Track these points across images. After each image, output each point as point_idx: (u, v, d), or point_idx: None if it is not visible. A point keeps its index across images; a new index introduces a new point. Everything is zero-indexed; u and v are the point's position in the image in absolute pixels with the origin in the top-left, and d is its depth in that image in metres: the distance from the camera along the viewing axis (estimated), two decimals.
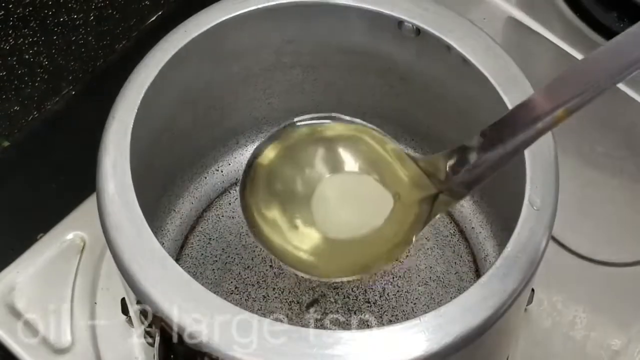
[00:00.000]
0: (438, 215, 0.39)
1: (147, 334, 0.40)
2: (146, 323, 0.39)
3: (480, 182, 0.37)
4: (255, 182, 0.40)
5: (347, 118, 0.41)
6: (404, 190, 0.39)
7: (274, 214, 0.40)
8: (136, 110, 0.41)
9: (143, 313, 0.38)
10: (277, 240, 0.40)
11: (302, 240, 0.40)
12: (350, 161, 0.41)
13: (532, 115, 0.34)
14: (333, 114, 0.41)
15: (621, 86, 0.60)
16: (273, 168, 0.40)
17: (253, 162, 0.40)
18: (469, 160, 0.37)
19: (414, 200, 0.39)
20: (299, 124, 0.40)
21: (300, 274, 0.40)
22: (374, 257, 0.40)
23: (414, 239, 0.39)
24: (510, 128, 0.35)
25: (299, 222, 0.40)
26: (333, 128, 0.41)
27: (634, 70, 0.32)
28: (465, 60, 0.44)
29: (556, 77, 0.34)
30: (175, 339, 0.37)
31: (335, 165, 0.41)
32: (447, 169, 0.38)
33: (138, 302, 0.38)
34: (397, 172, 0.40)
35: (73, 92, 0.60)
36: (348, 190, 0.40)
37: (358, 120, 0.41)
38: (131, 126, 0.41)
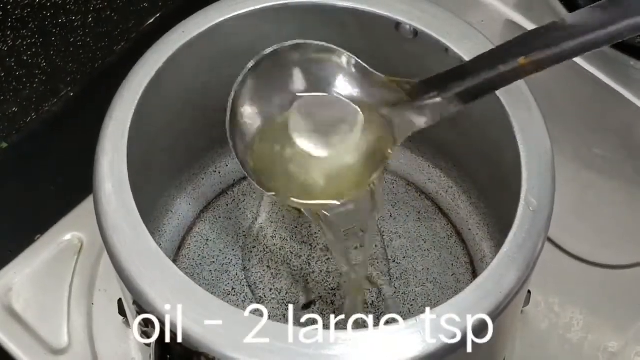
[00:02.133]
0: (410, 134, 0.41)
1: (144, 334, 0.40)
2: (143, 324, 0.39)
3: (446, 110, 0.40)
4: (238, 122, 0.42)
5: (311, 42, 0.42)
6: (373, 102, 0.42)
7: (260, 146, 0.42)
8: (133, 111, 0.41)
9: (140, 314, 0.39)
10: (270, 174, 0.42)
11: (288, 164, 0.42)
12: (318, 82, 0.43)
13: (495, 59, 0.37)
14: (296, 41, 0.42)
15: (619, 88, 0.60)
16: (248, 105, 0.42)
17: (231, 105, 0.42)
18: (435, 87, 0.40)
19: (384, 113, 0.42)
20: (265, 53, 0.42)
21: (295, 202, 0.42)
22: (357, 174, 0.42)
23: (390, 152, 0.41)
24: (474, 69, 0.39)
25: (279, 147, 0.42)
26: (299, 53, 0.42)
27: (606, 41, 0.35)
28: (462, 62, 0.44)
29: (525, 32, 0.37)
30: (171, 340, 0.37)
31: (305, 88, 0.43)
32: (412, 90, 0.41)
33: (135, 303, 0.38)
34: (363, 84, 0.42)
35: (71, 94, 0.60)
36: (320, 110, 0.42)
37: (322, 43, 0.42)
38: (128, 127, 0.41)
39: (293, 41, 0.42)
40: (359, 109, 0.42)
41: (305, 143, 0.42)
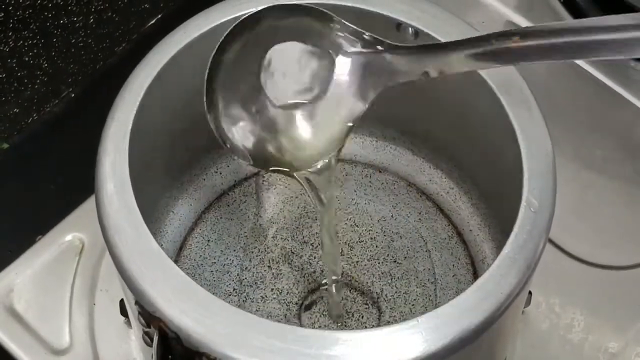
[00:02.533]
0: (386, 86, 0.43)
1: (146, 334, 0.40)
2: (144, 324, 0.39)
3: (422, 64, 0.41)
4: (215, 82, 0.42)
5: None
6: (346, 48, 0.43)
7: (235, 108, 0.43)
8: (135, 112, 0.42)
9: (142, 314, 0.39)
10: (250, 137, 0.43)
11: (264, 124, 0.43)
12: (291, 35, 0.43)
13: (494, 34, 0.39)
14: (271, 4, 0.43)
15: (618, 89, 0.60)
16: (223, 66, 0.42)
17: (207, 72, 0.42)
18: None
19: (358, 60, 0.43)
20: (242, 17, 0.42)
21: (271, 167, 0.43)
22: (335, 125, 0.43)
23: (367, 103, 0.43)
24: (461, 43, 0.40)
25: (253, 104, 0.43)
26: (273, 14, 0.43)
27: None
28: None
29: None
30: (173, 340, 0.37)
31: (276, 40, 0.43)
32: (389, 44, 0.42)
33: (136, 303, 0.38)
34: (337, 34, 0.43)
35: (73, 95, 0.61)
36: (290, 60, 0.43)
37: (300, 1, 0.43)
38: (130, 127, 0.41)
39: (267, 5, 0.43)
40: (333, 56, 0.43)
41: (274, 95, 0.43)
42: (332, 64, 0.43)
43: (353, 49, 0.43)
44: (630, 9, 0.61)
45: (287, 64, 0.43)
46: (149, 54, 0.43)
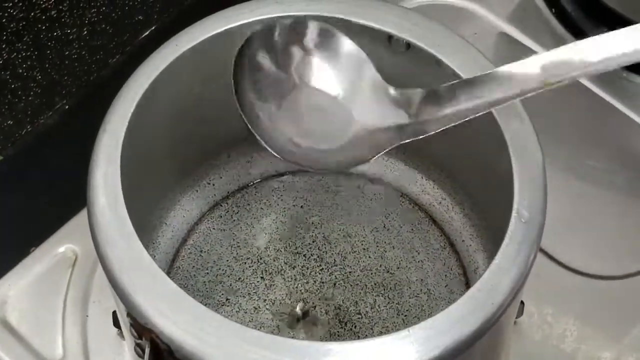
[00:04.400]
0: (396, 144, 0.41)
1: (138, 346, 0.40)
2: (136, 335, 0.39)
3: (444, 126, 0.40)
4: (246, 73, 0.42)
5: (340, 34, 0.43)
6: (371, 115, 0.42)
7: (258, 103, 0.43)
8: (127, 123, 0.42)
9: (134, 326, 0.39)
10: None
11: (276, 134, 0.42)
12: (326, 77, 0.43)
13: (506, 79, 0.38)
14: (328, 25, 0.43)
15: (611, 100, 0.60)
16: (258, 64, 0.43)
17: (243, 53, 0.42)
18: (438, 102, 0.40)
19: (379, 126, 0.42)
20: (291, 23, 0.43)
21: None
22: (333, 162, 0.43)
23: (371, 160, 0.42)
24: (481, 85, 0.38)
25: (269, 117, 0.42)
26: (330, 41, 0.43)
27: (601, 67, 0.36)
28: (455, 75, 0.44)
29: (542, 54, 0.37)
30: (165, 352, 0.37)
31: (312, 77, 0.43)
32: (418, 106, 0.40)
33: (128, 315, 0.39)
34: (369, 96, 0.42)
35: (67, 107, 0.61)
36: (316, 105, 0.43)
37: (349, 41, 0.43)
38: (122, 139, 0.41)
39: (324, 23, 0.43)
40: (354, 117, 0.42)
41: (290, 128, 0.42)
42: (354, 121, 0.43)
43: (379, 118, 0.42)
44: (621, 19, 0.61)
45: (309, 104, 0.43)
46: (141, 66, 0.44)
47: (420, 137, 0.41)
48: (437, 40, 0.45)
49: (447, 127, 0.40)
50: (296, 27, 0.43)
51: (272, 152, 0.42)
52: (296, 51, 0.43)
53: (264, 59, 0.43)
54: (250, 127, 0.42)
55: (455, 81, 0.40)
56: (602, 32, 0.61)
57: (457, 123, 0.40)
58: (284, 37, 0.43)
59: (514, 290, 0.39)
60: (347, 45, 0.43)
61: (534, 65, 0.37)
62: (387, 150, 0.41)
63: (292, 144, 0.42)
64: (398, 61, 0.46)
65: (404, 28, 0.45)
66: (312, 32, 0.43)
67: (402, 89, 0.42)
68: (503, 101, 0.38)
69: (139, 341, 0.39)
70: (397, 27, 0.45)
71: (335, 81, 0.43)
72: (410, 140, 0.41)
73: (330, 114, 0.43)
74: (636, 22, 0.60)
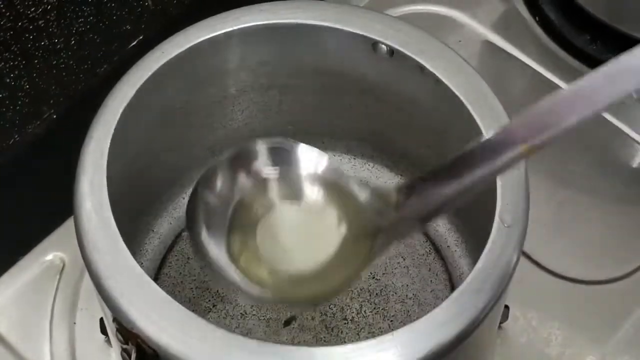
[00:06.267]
0: (386, 248, 0.37)
1: (124, 351, 0.40)
2: (122, 340, 0.39)
3: (434, 216, 0.35)
4: (205, 210, 0.38)
5: (301, 145, 0.38)
6: (356, 222, 0.38)
7: (230, 243, 0.38)
8: (113, 130, 0.42)
9: (120, 331, 0.39)
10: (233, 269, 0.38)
11: (254, 270, 0.38)
12: (300, 191, 0.38)
13: (492, 154, 0.33)
14: (284, 140, 0.38)
15: None
16: (222, 195, 0.38)
17: (198, 189, 0.38)
18: (422, 194, 0.35)
19: (366, 232, 0.37)
20: (248, 148, 0.38)
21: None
22: (321, 291, 0.38)
23: (362, 274, 0.39)
24: (468, 164, 0.34)
25: (248, 253, 0.38)
26: (285, 156, 0.38)
27: (600, 112, 0.31)
28: (438, 81, 0.44)
29: (518, 116, 0.32)
30: (151, 356, 0.38)
31: (284, 195, 0.38)
32: (399, 200, 0.36)
33: (114, 320, 0.39)
34: (349, 203, 0.38)
35: (54, 116, 0.61)
36: (295, 223, 0.38)
37: (313, 149, 0.38)
38: (108, 146, 0.41)
39: (280, 139, 0.38)
40: (338, 231, 0.37)
41: (269, 254, 0.37)
42: (337, 235, 0.37)
43: (361, 227, 0.37)
44: (604, 27, 0.62)
45: (287, 225, 0.38)
46: (126, 73, 0.44)
47: (415, 232, 0.38)
48: (420, 47, 0.45)
49: (436, 217, 0.36)
50: (248, 150, 0.38)
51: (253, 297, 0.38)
52: (255, 174, 0.38)
53: (221, 198, 0.38)
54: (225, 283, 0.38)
55: (427, 172, 0.35)
56: (585, 39, 0.63)
57: (447, 211, 0.36)
58: (237, 167, 0.38)
59: (496, 294, 0.39)
60: (312, 152, 0.38)
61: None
62: (376, 259, 0.37)
63: (275, 277, 0.37)
64: (382, 68, 0.46)
65: (388, 35, 0.46)
66: (269, 150, 0.38)
67: (375, 187, 0.37)
68: (486, 179, 0.33)
69: (125, 346, 0.39)
70: (381, 33, 0.46)
71: (312, 193, 0.38)
72: (404, 238, 0.38)
73: (311, 230, 0.38)
74: (619, 30, 0.61)
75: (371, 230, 0.37)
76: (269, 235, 0.38)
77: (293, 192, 0.38)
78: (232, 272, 0.37)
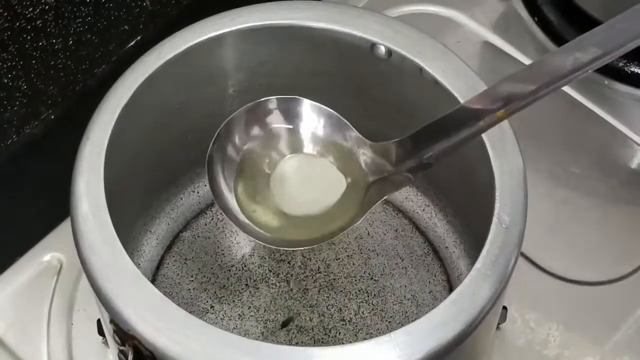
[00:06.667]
0: (386, 197, 0.43)
1: (121, 352, 0.40)
2: (119, 342, 0.39)
3: (424, 170, 0.41)
4: (223, 157, 0.43)
5: (310, 102, 0.43)
6: (357, 173, 0.43)
7: (239, 187, 0.43)
8: (110, 132, 0.42)
9: (117, 332, 0.39)
10: (241, 211, 0.43)
11: (262, 214, 0.43)
12: (309, 143, 0.44)
13: (474, 116, 0.38)
14: (296, 97, 0.43)
15: (593, 107, 0.61)
16: (238, 145, 0.43)
17: (220, 136, 0.42)
18: (415, 150, 0.40)
19: (366, 182, 0.42)
20: (263, 104, 0.43)
21: (263, 244, 0.43)
22: (328, 230, 0.42)
23: (364, 216, 0.42)
24: (454, 125, 0.39)
25: (259, 198, 0.43)
26: (295, 112, 0.43)
27: (571, 79, 0.36)
28: (436, 82, 0.44)
29: (495, 83, 0.38)
30: (148, 358, 0.37)
31: (295, 147, 0.44)
32: (396, 155, 0.41)
33: (111, 322, 0.39)
34: (352, 156, 0.43)
35: (52, 116, 0.61)
36: (305, 171, 0.43)
37: (321, 106, 0.43)
38: (105, 147, 0.41)
39: (292, 96, 0.43)
40: (344, 177, 0.43)
41: (281, 200, 0.43)
42: (343, 181, 0.43)
43: (365, 174, 0.43)
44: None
45: (297, 173, 0.44)
46: (123, 74, 0.44)
47: (406, 185, 0.41)
48: (419, 47, 0.45)
49: (428, 170, 0.41)
50: (262, 106, 0.43)
51: (265, 242, 0.42)
52: (269, 127, 0.44)
53: (236, 147, 0.43)
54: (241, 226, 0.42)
55: (422, 127, 0.40)
56: None
57: (436, 163, 0.40)
58: (252, 120, 0.43)
59: (494, 294, 0.39)
60: (320, 109, 0.44)
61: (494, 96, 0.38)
62: (375, 206, 0.42)
63: (281, 220, 0.43)
64: (381, 69, 0.46)
65: (386, 36, 0.46)
66: (281, 106, 0.43)
67: (377, 142, 0.43)
68: (471, 138, 0.39)
69: (122, 348, 0.39)
70: (379, 34, 0.46)
71: (320, 145, 0.44)
72: (397, 190, 0.42)
73: (319, 178, 0.43)
74: None
75: (368, 181, 0.42)
76: (279, 182, 0.43)
77: (301, 144, 0.43)
78: (242, 216, 0.42)
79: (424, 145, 0.40)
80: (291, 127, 0.44)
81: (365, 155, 0.43)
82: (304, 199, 0.43)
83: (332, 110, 0.43)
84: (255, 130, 0.43)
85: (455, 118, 0.39)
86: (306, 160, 0.44)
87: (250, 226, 0.42)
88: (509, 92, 0.37)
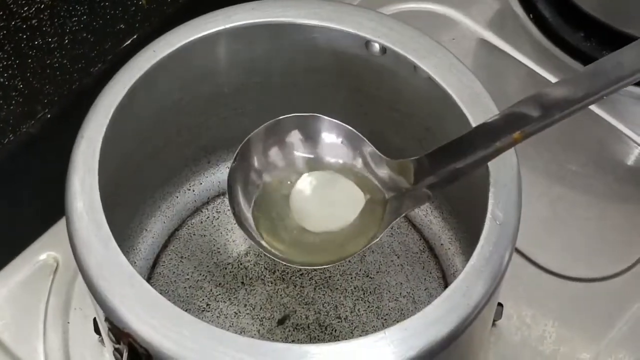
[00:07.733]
0: (403, 214, 0.43)
1: (116, 350, 0.40)
2: (114, 340, 0.39)
3: (442, 188, 0.41)
4: (243, 177, 0.43)
5: (328, 119, 0.44)
6: (375, 189, 0.43)
7: (259, 207, 0.43)
8: (105, 130, 0.42)
9: (112, 330, 0.39)
10: (259, 229, 0.43)
11: (280, 231, 0.43)
12: (327, 160, 0.44)
13: (491, 135, 0.38)
14: (315, 114, 0.43)
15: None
16: (257, 165, 0.43)
17: (239, 156, 0.43)
18: (433, 169, 0.40)
19: (384, 198, 0.43)
20: (282, 122, 0.43)
21: (280, 261, 0.42)
22: (344, 249, 0.42)
23: (381, 235, 0.42)
24: (471, 144, 0.39)
25: (276, 215, 0.43)
26: (314, 129, 0.44)
27: (590, 103, 0.36)
28: (430, 79, 0.44)
29: (516, 103, 0.37)
30: (143, 356, 0.38)
31: (314, 164, 0.44)
32: (414, 173, 0.41)
33: (107, 320, 0.39)
34: (369, 172, 0.43)
35: (48, 115, 0.61)
36: (324, 188, 0.44)
37: (339, 122, 0.44)
38: (100, 145, 0.41)
39: (311, 114, 0.43)
40: (362, 195, 0.43)
41: (301, 217, 0.43)
42: (361, 199, 0.43)
43: (382, 192, 0.43)
44: (598, 24, 0.62)
45: (316, 190, 0.44)
46: (118, 72, 0.44)
47: (425, 202, 0.42)
48: (413, 44, 0.45)
49: (446, 187, 0.41)
50: (281, 124, 0.43)
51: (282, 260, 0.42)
52: (288, 145, 0.44)
53: (255, 167, 0.43)
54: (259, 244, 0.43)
55: (440, 146, 0.40)
56: (579, 37, 0.63)
57: (454, 183, 0.40)
58: (271, 138, 0.43)
59: (489, 291, 0.39)
60: (338, 126, 0.44)
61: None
62: (394, 222, 0.42)
63: (300, 238, 0.43)
64: (375, 66, 0.46)
65: (380, 33, 0.46)
66: (299, 123, 0.44)
67: (395, 160, 0.43)
68: (488, 158, 0.39)
69: (117, 345, 0.39)
70: (373, 31, 0.46)
71: (338, 162, 0.44)
72: (416, 207, 0.43)
73: (338, 195, 0.44)
74: (613, 27, 0.61)
75: (386, 198, 0.42)
76: (298, 199, 0.43)
77: (320, 160, 0.44)
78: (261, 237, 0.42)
79: (441, 164, 0.40)
80: (310, 144, 0.44)
81: (382, 171, 0.43)
82: (323, 215, 0.43)
83: (350, 127, 0.44)
84: (274, 149, 0.43)
85: (472, 138, 0.39)
86: (325, 177, 0.44)
87: (269, 249, 0.42)
88: (525, 113, 0.37)
